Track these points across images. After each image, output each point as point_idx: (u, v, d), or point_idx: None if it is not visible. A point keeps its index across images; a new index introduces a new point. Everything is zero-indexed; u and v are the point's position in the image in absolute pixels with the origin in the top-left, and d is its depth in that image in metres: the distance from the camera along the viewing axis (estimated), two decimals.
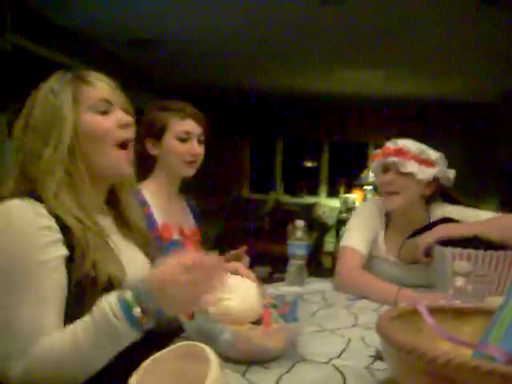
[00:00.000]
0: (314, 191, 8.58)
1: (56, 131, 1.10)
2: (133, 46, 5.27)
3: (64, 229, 1.04)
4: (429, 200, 1.95)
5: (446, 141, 6.90)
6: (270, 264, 4.53)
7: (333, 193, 8.44)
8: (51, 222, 1.03)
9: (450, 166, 1.91)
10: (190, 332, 1.10)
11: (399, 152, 1.85)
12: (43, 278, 0.99)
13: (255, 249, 2.16)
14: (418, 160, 1.84)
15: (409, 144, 1.87)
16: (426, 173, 1.84)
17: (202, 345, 0.86)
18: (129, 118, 1.19)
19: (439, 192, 1.95)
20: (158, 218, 1.76)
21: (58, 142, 1.09)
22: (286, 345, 1.12)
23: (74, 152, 1.11)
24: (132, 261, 1.19)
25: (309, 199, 8.36)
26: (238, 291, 1.15)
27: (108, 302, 0.96)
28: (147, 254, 1.30)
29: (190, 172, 1.82)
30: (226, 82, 6.93)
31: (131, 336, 0.98)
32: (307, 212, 7.27)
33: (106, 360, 0.98)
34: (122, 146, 1.18)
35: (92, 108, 1.14)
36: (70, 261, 1.03)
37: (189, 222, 1.93)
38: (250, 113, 8.27)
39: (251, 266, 2.22)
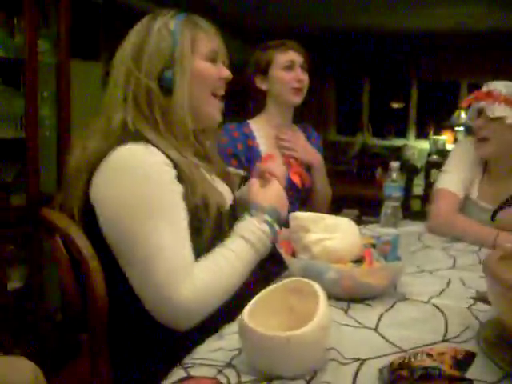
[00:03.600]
0: (402, 133, 8.35)
1: (169, 71, 1.14)
2: None
3: (173, 164, 1.09)
4: None
5: None
6: (357, 207, 4.51)
7: (422, 134, 8.18)
8: (165, 158, 1.08)
9: None
10: (295, 270, 1.15)
11: (489, 95, 1.76)
12: (179, 210, 1.06)
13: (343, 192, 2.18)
14: (510, 103, 1.73)
15: (500, 86, 1.76)
16: None
17: (310, 281, 0.89)
18: (230, 74, 1.25)
19: None
20: (264, 149, 1.92)
21: (174, 79, 1.14)
22: (389, 283, 1.14)
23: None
24: (223, 191, 1.26)
25: (397, 141, 8.16)
26: (339, 230, 1.18)
27: (257, 227, 1.16)
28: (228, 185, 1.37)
29: (297, 99, 1.96)
30: (311, 20, 6.76)
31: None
32: (395, 155, 7.11)
33: (248, 275, 1.14)
34: (215, 95, 1.24)
35: (205, 55, 1.19)
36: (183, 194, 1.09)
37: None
38: (336, 52, 8.02)
39: (340, 209, 2.25)
